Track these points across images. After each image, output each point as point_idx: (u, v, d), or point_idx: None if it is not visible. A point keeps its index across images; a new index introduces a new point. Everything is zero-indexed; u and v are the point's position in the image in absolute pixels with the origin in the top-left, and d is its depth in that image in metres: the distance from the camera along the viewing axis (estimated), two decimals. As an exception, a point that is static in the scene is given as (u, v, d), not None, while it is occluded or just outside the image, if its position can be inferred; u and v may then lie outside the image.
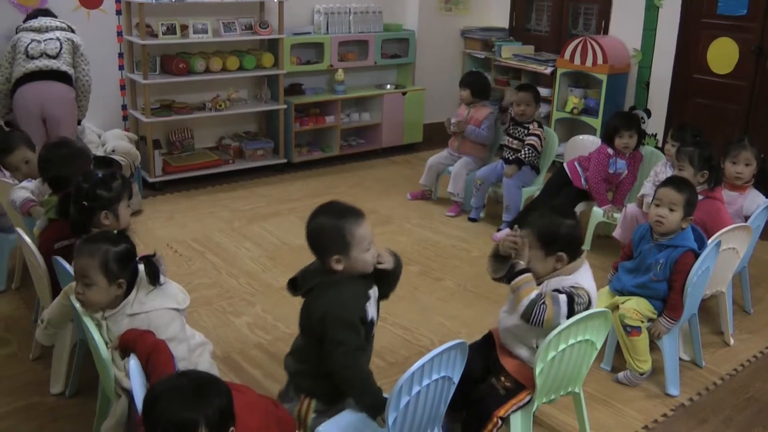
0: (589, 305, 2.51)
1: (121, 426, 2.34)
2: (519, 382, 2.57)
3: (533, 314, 2.46)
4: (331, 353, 2.28)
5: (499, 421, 2.48)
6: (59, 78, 4.74)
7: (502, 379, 2.60)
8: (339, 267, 2.32)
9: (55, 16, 4.96)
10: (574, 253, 2.58)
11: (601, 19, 6.45)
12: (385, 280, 2.48)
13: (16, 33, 4.81)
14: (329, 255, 2.31)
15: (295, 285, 2.43)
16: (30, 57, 4.66)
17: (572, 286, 2.52)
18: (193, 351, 2.56)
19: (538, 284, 2.56)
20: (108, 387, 2.44)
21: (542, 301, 2.46)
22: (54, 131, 4.68)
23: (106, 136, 5.47)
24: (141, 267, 2.48)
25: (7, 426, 2.85)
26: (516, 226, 2.64)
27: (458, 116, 5.45)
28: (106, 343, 2.38)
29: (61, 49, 4.76)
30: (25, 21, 4.88)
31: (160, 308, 2.41)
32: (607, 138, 4.59)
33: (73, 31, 4.92)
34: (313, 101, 6.40)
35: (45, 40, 4.72)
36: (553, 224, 2.56)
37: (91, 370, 2.79)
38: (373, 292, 2.44)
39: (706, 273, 3.20)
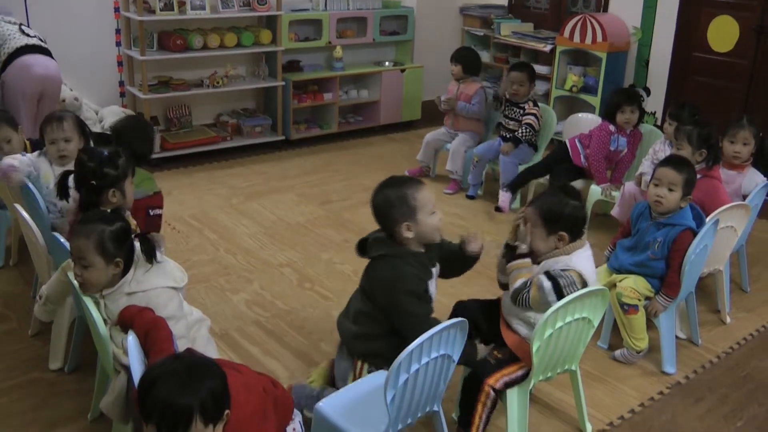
0: (583, 286, 2.52)
1: (120, 402, 2.35)
2: (512, 354, 2.62)
3: (518, 300, 2.59)
4: (402, 324, 2.43)
5: (491, 391, 2.50)
6: (52, 58, 4.76)
7: (495, 353, 2.64)
8: (410, 234, 2.44)
9: None
10: (575, 234, 2.60)
11: (601, -4, 6.41)
12: (457, 266, 2.70)
13: None
14: (399, 223, 2.44)
15: (363, 248, 2.55)
16: (26, 34, 4.68)
17: (563, 269, 2.54)
18: (190, 328, 2.56)
19: (538, 262, 2.63)
20: (106, 364, 2.45)
21: (527, 289, 2.55)
22: (49, 106, 4.65)
23: (103, 112, 5.45)
24: (137, 245, 2.47)
25: (7, 401, 2.87)
26: (526, 206, 2.71)
27: (448, 93, 5.44)
28: (105, 321, 2.38)
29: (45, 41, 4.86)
30: None
31: (158, 287, 2.41)
32: (609, 114, 4.58)
33: None
34: (311, 78, 6.36)
35: (32, 29, 4.81)
36: (558, 204, 2.59)
37: (90, 346, 2.80)
38: (435, 270, 2.58)
39: (703, 251, 3.21)
